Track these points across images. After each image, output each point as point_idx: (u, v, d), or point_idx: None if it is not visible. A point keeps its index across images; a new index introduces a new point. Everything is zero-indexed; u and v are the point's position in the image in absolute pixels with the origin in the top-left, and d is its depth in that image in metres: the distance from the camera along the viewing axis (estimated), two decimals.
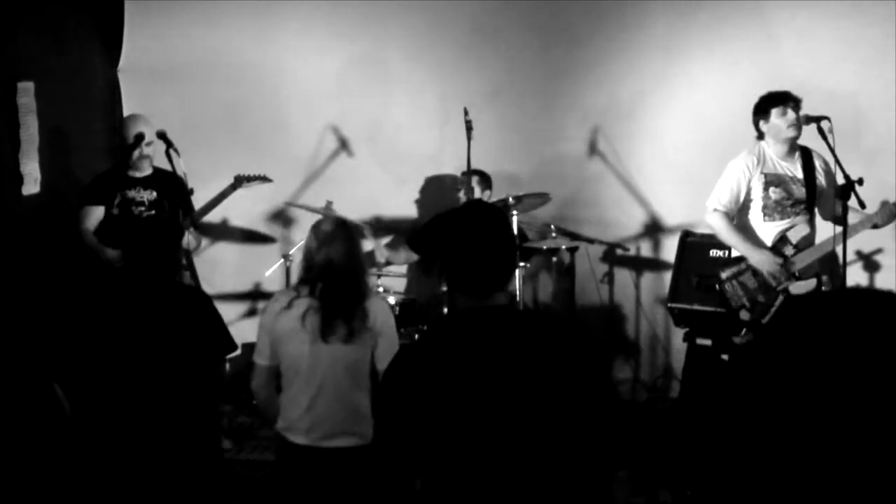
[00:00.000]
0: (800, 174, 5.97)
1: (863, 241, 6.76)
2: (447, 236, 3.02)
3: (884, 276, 7.14)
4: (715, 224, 6.03)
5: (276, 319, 4.26)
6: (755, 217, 6.02)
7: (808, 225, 5.97)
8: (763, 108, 5.98)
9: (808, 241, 5.94)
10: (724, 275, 6.02)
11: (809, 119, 5.68)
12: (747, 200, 6.00)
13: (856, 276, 7.02)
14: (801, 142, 6.00)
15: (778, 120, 5.92)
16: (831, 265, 6.47)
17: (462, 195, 6.99)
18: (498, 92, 7.58)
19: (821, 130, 5.60)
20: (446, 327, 3.30)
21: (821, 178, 6.01)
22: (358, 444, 4.20)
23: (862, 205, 5.58)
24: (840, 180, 5.54)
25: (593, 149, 7.57)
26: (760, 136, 6.03)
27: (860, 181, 5.52)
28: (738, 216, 6.05)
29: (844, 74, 7.01)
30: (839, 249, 5.58)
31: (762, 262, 5.90)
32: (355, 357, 4.22)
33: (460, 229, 3.01)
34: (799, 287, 5.90)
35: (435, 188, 7.69)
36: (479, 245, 2.96)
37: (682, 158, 7.33)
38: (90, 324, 4.50)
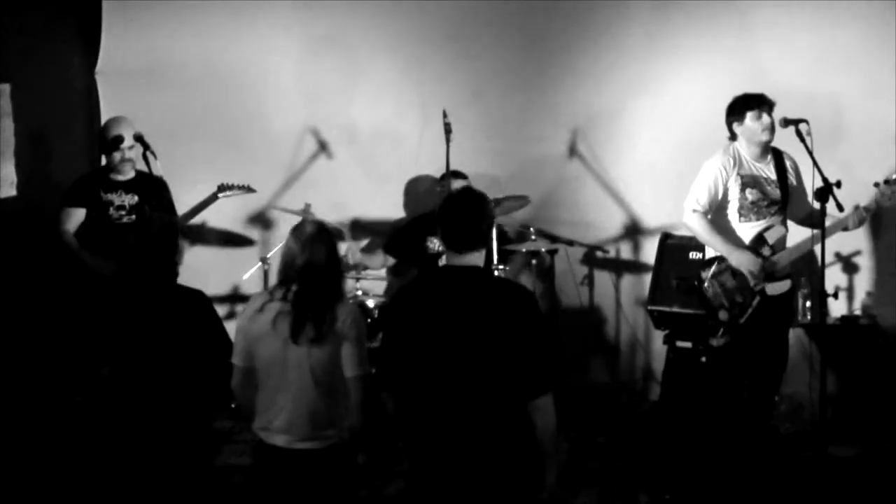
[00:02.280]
0: (773, 175, 5.98)
1: (841, 242, 6.79)
2: (441, 209, 4.02)
3: (862, 277, 7.16)
4: (694, 225, 6.03)
5: (249, 322, 4.31)
6: (731, 218, 6.03)
7: (783, 225, 5.98)
8: (738, 110, 5.97)
9: (783, 242, 5.95)
10: (704, 274, 6.02)
11: (788, 122, 5.67)
12: (724, 201, 6.01)
13: (835, 277, 7.04)
14: (774, 143, 6.00)
15: (753, 123, 5.92)
16: (810, 266, 6.50)
17: (441, 197, 6.97)
18: (477, 94, 7.57)
19: (799, 133, 5.60)
20: (428, 276, 4.48)
21: (791, 179, 6.02)
22: (332, 444, 4.27)
23: (840, 207, 5.57)
24: (818, 183, 5.54)
25: (573, 151, 7.57)
26: (733, 137, 6.03)
27: (838, 184, 5.51)
28: (715, 217, 6.05)
29: (822, 77, 7.04)
30: (818, 250, 5.59)
31: (743, 261, 5.90)
32: (324, 359, 4.25)
33: (448, 199, 4.06)
34: (775, 287, 5.90)
35: (414, 191, 7.68)
36: (456, 209, 3.98)
37: (662, 160, 7.33)
38: (92, 327, 4.58)
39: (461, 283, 3.94)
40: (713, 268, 6.01)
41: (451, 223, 3.99)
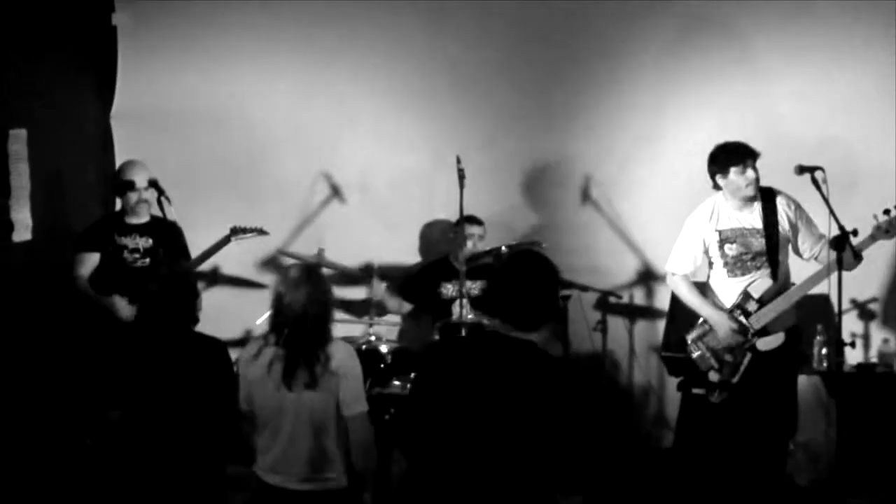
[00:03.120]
0: (758, 224, 5.88)
1: (857, 289, 6.75)
2: (498, 273, 3.61)
3: (878, 324, 7.12)
4: (674, 288, 6.07)
5: (245, 367, 4.41)
6: (719, 274, 5.99)
7: (770, 277, 5.88)
8: (720, 163, 5.85)
9: (772, 294, 5.85)
10: (689, 337, 5.99)
11: (803, 169, 5.60)
12: (709, 257, 5.98)
13: (850, 324, 6.99)
14: (785, 188, 5.96)
15: (737, 178, 5.82)
16: (826, 315, 6.45)
17: (455, 242, 6.97)
18: (490, 140, 7.58)
19: (815, 181, 5.53)
20: (475, 340, 3.94)
21: (784, 224, 5.89)
22: (329, 488, 4.32)
23: (857, 256, 5.53)
24: (834, 231, 5.49)
25: (586, 196, 7.56)
26: (717, 187, 5.96)
27: (854, 232, 5.46)
28: (709, 272, 6.01)
29: (837, 124, 7.03)
30: (835, 299, 5.53)
31: (717, 324, 5.86)
32: (319, 402, 4.29)
33: (512, 267, 3.57)
34: (767, 342, 5.83)
35: (429, 235, 7.67)
36: (522, 283, 3.49)
37: (675, 206, 7.27)
38: (105, 370, 4.60)
39: (509, 357, 3.51)
40: (697, 330, 5.97)
41: (515, 300, 3.51)
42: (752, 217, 5.90)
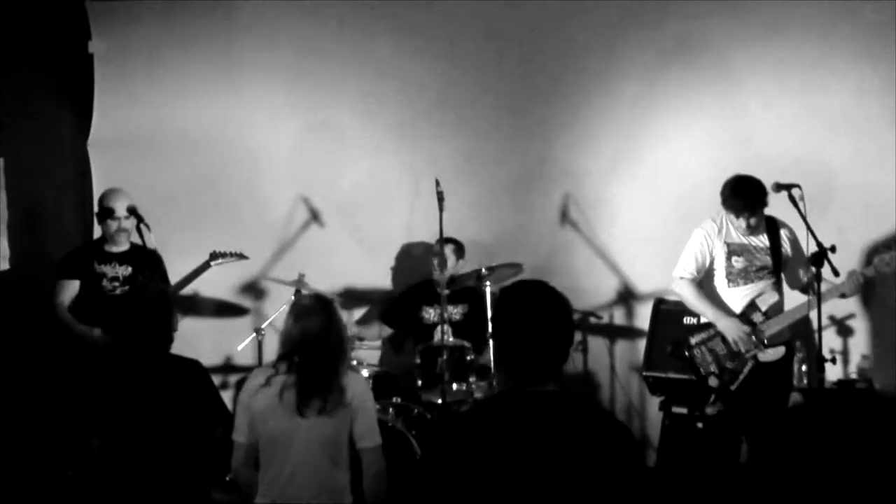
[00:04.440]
0: (765, 243, 5.99)
1: (835, 306, 6.78)
2: (498, 317, 2.91)
3: (856, 340, 7.14)
4: (682, 292, 6.07)
5: (253, 397, 4.30)
6: (720, 283, 6.05)
7: (776, 290, 5.97)
8: (724, 199, 5.95)
9: (777, 308, 5.94)
10: (693, 340, 6.03)
11: (780, 186, 5.67)
12: (711, 268, 6.03)
13: (829, 340, 7.01)
14: (768, 211, 6.00)
15: (735, 219, 5.94)
16: (805, 330, 6.49)
17: (435, 264, 6.98)
18: (469, 160, 7.60)
19: (792, 198, 5.60)
20: (489, 406, 3.16)
21: (786, 247, 6.02)
22: None
23: (835, 272, 5.58)
24: (812, 248, 5.54)
25: (565, 217, 7.58)
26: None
27: (832, 248, 5.52)
28: (705, 282, 6.07)
29: (813, 141, 7.06)
30: (813, 316, 5.58)
31: (729, 328, 5.91)
32: (331, 431, 4.24)
33: (510, 306, 2.89)
34: (768, 355, 5.89)
35: (407, 259, 7.67)
36: (526, 326, 2.84)
37: (654, 226, 7.34)
38: (85, 398, 4.57)
39: (542, 416, 2.84)
40: (702, 334, 6.02)
41: (521, 349, 2.85)
42: (760, 237, 6.01)
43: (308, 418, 4.20)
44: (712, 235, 6.01)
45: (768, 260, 5.96)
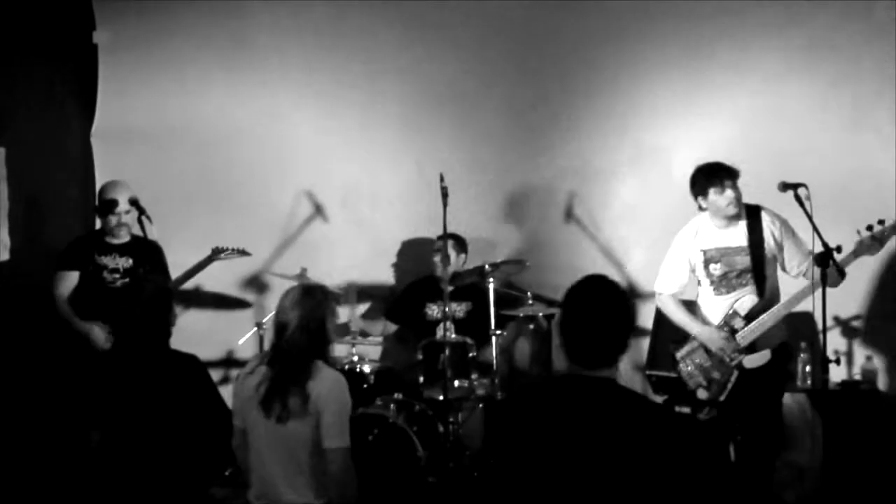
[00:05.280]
0: (744, 242, 5.88)
1: (840, 307, 6.76)
2: (565, 307, 3.19)
3: (861, 341, 7.10)
4: (662, 307, 6.10)
5: (240, 384, 4.34)
6: (706, 291, 6.01)
7: (756, 294, 5.86)
8: (699, 184, 5.87)
9: (758, 310, 5.84)
10: (677, 355, 6.00)
11: (787, 186, 5.59)
12: (696, 277, 6.00)
13: (833, 341, 6.98)
14: (770, 204, 5.95)
15: (717, 198, 5.82)
16: (810, 332, 6.44)
17: (437, 260, 6.95)
18: (474, 157, 7.57)
19: (798, 198, 5.52)
20: (547, 387, 3.40)
21: (769, 241, 5.88)
22: None
23: (841, 273, 5.53)
24: (818, 248, 5.48)
25: (569, 214, 7.55)
26: (701, 208, 5.95)
27: (838, 249, 5.46)
28: (698, 290, 6.02)
29: (822, 141, 7.02)
30: (818, 317, 5.52)
31: (709, 339, 5.87)
32: (290, 436, 4.21)
33: (576, 298, 3.19)
34: (753, 360, 5.83)
35: (411, 254, 7.64)
36: (589, 315, 3.12)
37: (658, 225, 7.29)
38: (83, 392, 4.52)
39: (593, 403, 3.09)
40: (685, 347, 5.98)
41: (582, 334, 3.14)
42: (737, 235, 5.90)
43: (270, 418, 4.19)
44: (687, 244, 5.96)
45: (748, 262, 5.87)
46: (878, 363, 6.94)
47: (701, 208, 5.96)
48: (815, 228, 5.44)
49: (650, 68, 7.38)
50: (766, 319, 5.81)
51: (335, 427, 4.19)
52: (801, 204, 5.50)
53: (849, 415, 6.68)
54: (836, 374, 6.93)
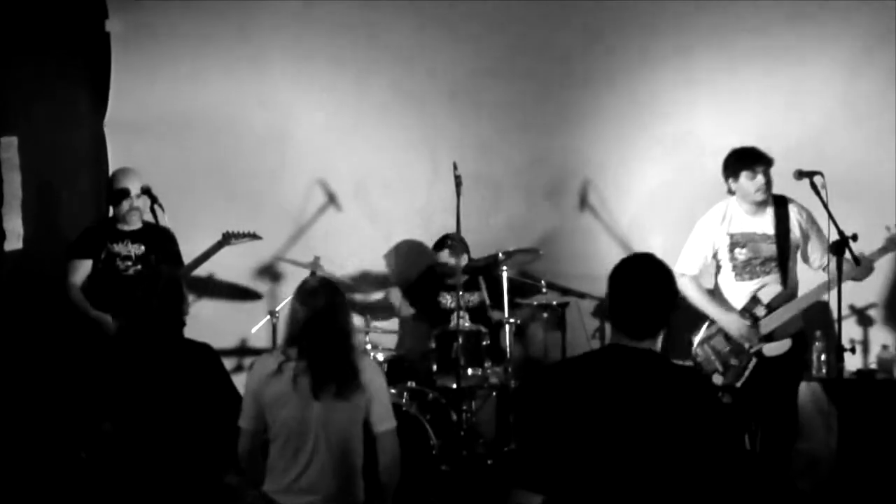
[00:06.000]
0: (770, 230, 5.87)
1: (855, 295, 6.72)
2: (612, 281, 3.37)
3: (876, 330, 7.08)
4: (683, 289, 5.93)
5: (265, 385, 4.23)
6: (727, 277, 5.97)
7: (780, 283, 5.85)
8: (732, 167, 5.87)
9: (781, 300, 5.83)
10: (695, 339, 5.96)
11: (802, 174, 5.58)
12: (718, 260, 5.96)
13: (849, 330, 6.95)
14: (784, 192, 5.92)
15: (747, 182, 5.82)
16: (825, 320, 6.41)
17: (446, 255, 6.99)
18: (487, 146, 7.55)
19: (814, 186, 5.51)
20: (590, 358, 3.56)
21: (795, 231, 5.89)
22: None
23: (857, 261, 5.51)
24: (834, 235, 5.46)
25: (584, 203, 7.53)
26: (731, 191, 5.95)
27: (854, 237, 5.44)
28: (715, 276, 5.99)
29: (837, 129, 6.99)
30: (833, 305, 5.50)
31: (730, 324, 5.83)
32: (348, 415, 4.19)
33: (624, 272, 3.37)
34: (772, 348, 5.81)
35: (400, 254, 7.70)
36: (636, 288, 3.31)
37: (673, 213, 7.29)
38: (96, 381, 4.51)
39: (637, 369, 3.28)
40: (703, 332, 5.95)
41: (628, 305, 3.33)
42: (764, 222, 5.88)
43: (324, 403, 4.14)
44: (715, 226, 5.92)
45: (774, 250, 5.85)
46: (894, 352, 6.91)
47: (730, 191, 5.94)
48: (830, 216, 5.43)
49: (669, 57, 7.37)
50: (790, 309, 5.79)
51: (386, 409, 4.24)
52: (817, 192, 5.50)
53: (864, 404, 6.66)
54: (852, 362, 6.90)
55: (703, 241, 5.99)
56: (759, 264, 5.86)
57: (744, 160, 5.83)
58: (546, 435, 3.29)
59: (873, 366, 6.96)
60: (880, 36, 6.99)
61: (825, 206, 5.45)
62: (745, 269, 5.88)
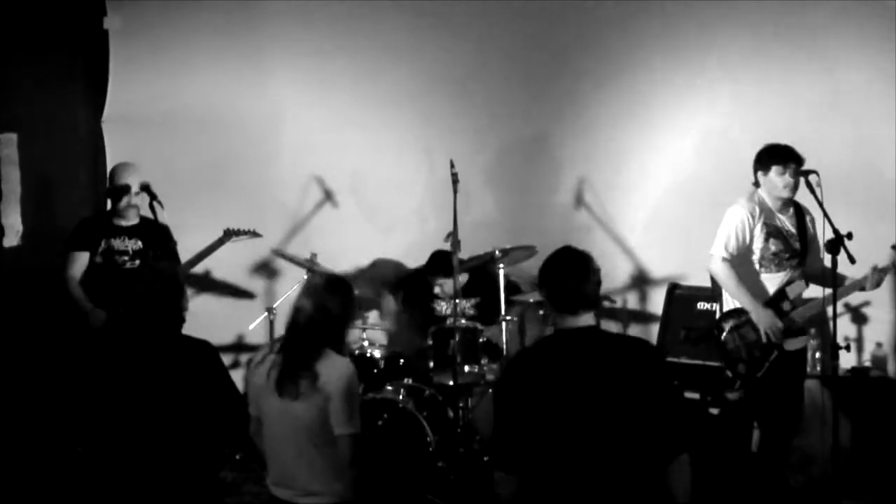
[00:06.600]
0: (794, 228, 5.91)
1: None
2: (544, 270, 3.87)
3: (871, 328, 7.10)
4: (721, 273, 5.87)
5: (251, 374, 4.37)
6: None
7: (802, 279, 5.90)
8: (764, 161, 5.86)
9: (801, 297, 5.87)
10: (726, 325, 5.91)
11: (798, 172, 5.63)
12: (749, 250, 5.95)
13: (844, 328, 6.98)
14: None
15: (776, 177, 5.82)
16: (820, 319, 6.43)
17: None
18: (484, 143, 7.57)
19: (809, 184, 5.54)
20: (544, 343, 4.16)
21: (810, 230, 5.95)
22: (332, 502, 4.23)
23: (851, 259, 5.51)
24: (829, 234, 5.48)
25: (580, 200, 7.55)
26: (757, 184, 5.94)
27: (849, 235, 5.45)
28: (738, 265, 6.00)
29: (832, 127, 7.00)
30: (829, 305, 5.52)
31: (763, 319, 5.81)
32: (307, 415, 4.21)
33: (550, 262, 3.88)
34: (792, 343, 5.83)
35: (377, 273, 7.71)
36: (561, 271, 3.82)
37: (669, 211, 7.32)
38: (95, 376, 4.52)
39: (584, 345, 3.77)
40: (734, 320, 5.90)
41: (559, 287, 3.83)
42: (789, 220, 5.92)
43: (284, 399, 4.21)
44: (754, 216, 5.86)
45: (798, 246, 5.88)
46: (888, 349, 6.94)
47: (756, 184, 5.92)
48: (825, 214, 5.44)
49: (665, 55, 7.39)
50: (813, 306, 5.81)
51: (343, 414, 4.19)
52: (812, 190, 5.52)
53: (858, 401, 6.69)
54: (846, 360, 6.93)
55: (743, 227, 5.86)
56: (787, 258, 5.85)
57: (777, 155, 5.84)
58: (511, 419, 3.72)
59: (867, 363, 6.99)
60: (873, 35, 7.00)
61: (820, 204, 5.48)
62: (773, 261, 5.87)
